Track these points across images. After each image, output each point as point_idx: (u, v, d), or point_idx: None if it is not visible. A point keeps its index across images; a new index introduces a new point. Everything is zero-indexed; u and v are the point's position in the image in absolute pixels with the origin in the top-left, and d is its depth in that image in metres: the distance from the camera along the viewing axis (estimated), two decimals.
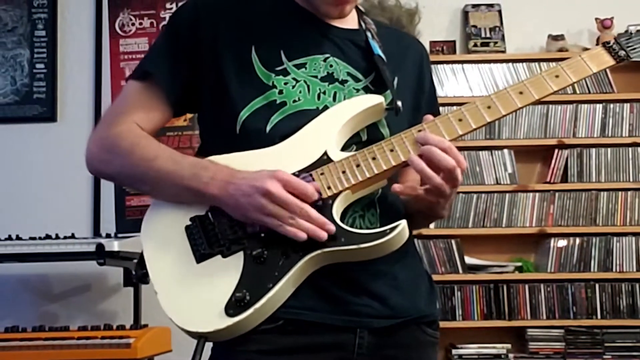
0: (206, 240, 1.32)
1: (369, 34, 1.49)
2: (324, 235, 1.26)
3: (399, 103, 1.41)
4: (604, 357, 3.38)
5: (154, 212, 1.41)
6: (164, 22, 3.79)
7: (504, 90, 1.38)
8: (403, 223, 1.28)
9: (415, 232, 1.39)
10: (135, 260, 3.34)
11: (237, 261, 1.30)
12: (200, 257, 1.32)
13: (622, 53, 1.41)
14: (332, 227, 1.27)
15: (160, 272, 1.34)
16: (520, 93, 1.37)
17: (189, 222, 1.35)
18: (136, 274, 1.37)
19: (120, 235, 3.34)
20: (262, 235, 1.30)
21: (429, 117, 1.37)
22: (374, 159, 1.33)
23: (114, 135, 1.42)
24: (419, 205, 1.41)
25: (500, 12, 3.74)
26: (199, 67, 1.43)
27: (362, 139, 1.42)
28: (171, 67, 1.43)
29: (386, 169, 1.33)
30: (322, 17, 1.47)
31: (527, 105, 1.38)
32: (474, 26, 3.72)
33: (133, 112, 1.44)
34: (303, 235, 1.26)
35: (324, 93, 1.41)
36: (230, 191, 1.30)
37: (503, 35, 3.69)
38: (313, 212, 1.27)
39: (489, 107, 1.36)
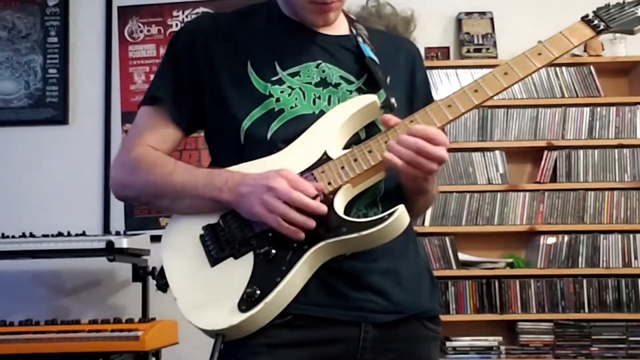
0: (218, 244, 1.34)
1: (359, 39, 1.49)
2: (312, 224, 1.26)
3: (393, 100, 1.40)
4: (591, 349, 3.37)
5: (171, 228, 1.43)
6: (171, 29, 3.79)
7: (489, 74, 1.36)
8: (401, 207, 1.28)
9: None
10: (143, 257, 3.36)
11: (247, 261, 1.31)
12: (213, 261, 1.33)
13: (601, 25, 1.38)
14: (324, 208, 1.26)
15: (179, 279, 1.36)
16: (505, 74, 1.36)
17: (202, 231, 1.36)
18: (157, 283, 1.38)
19: (129, 232, 3.34)
20: (270, 234, 1.31)
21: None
22: (370, 152, 1.33)
23: (132, 159, 1.44)
24: (408, 182, 1.40)
25: (492, 19, 3.74)
26: (200, 86, 1.44)
27: (361, 137, 1.42)
28: (175, 89, 1.46)
29: (382, 159, 1.32)
30: (311, 26, 1.48)
31: (513, 85, 1.37)
32: (467, 33, 3.71)
33: (147, 135, 1.46)
34: (301, 235, 1.27)
35: (319, 98, 1.42)
36: (241, 191, 1.31)
37: (495, 42, 3.69)
38: (310, 201, 1.26)
39: (476, 91, 1.35)
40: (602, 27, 1.38)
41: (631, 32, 1.42)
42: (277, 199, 1.26)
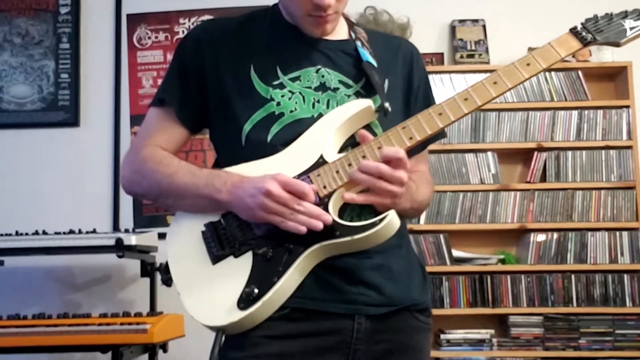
0: (219, 243, 1.35)
1: (358, 43, 1.49)
2: (319, 225, 1.27)
3: (387, 105, 1.40)
4: (579, 341, 3.37)
5: (175, 225, 1.44)
6: (178, 36, 3.80)
7: (479, 83, 1.36)
8: (391, 213, 1.29)
9: (408, 227, 1.38)
10: (151, 253, 3.37)
11: (246, 260, 1.33)
12: (214, 258, 1.35)
13: (588, 36, 1.37)
14: (329, 217, 1.28)
15: (182, 275, 1.37)
16: (495, 83, 1.35)
17: (204, 228, 1.37)
18: (162, 278, 1.40)
19: (137, 230, 3.35)
20: (268, 236, 1.32)
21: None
22: (363, 157, 1.33)
23: (140, 158, 1.46)
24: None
25: (484, 26, 3.75)
26: (205, 89, 1.45)
27: (357, 140, 1.42)
28: (181, 92, 1.47)
29: None
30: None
31: (502, 94, 1.36)
32: (461, 39, 3.72)
33: (155, 135, 1.48)
34: (303, 229, 1.27)
35: (318, 102, 1.42)
36: (239, 194, 1.32)
37: (487, 48, 3.70)
38: (310, 206, 1.28)
39: (465, 100, 1.35)
40: (589, 39, 1.37)
41: (617, 45, 1.40)
42: (274, 202, 1.27)
